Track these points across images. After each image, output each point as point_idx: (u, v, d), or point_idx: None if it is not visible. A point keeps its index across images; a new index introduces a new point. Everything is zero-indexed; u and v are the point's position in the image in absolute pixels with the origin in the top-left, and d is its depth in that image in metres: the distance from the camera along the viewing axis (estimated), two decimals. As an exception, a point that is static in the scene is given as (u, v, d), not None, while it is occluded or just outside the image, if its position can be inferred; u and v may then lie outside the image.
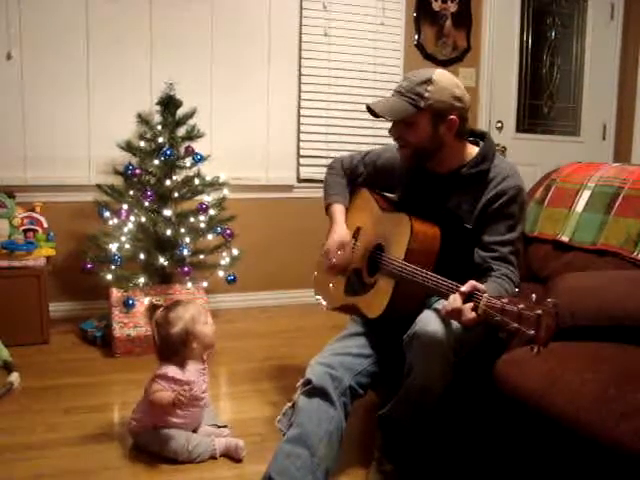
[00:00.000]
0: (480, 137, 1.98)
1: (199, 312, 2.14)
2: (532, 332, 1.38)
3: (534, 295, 1.43)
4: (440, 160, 1.92)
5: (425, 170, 1.97)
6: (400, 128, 1.89)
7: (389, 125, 1.93)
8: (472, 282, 1.58)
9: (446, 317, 1.63)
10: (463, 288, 1.58)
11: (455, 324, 1.66)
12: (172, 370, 2.07)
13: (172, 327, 2.06)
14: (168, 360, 2.09)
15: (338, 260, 2.08)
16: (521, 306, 1.42)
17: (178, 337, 2.06)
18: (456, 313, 1.57)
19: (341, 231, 2.12)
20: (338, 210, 2.19)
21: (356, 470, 1.99)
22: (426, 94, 1.80)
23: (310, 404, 1.80)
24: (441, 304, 1.72)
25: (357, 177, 2.24)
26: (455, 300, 1.57)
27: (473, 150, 1.93)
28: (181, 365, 2.09)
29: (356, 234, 2.14)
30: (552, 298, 1.84)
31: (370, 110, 1.89)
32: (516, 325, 1.42)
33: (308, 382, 1.84)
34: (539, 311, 1.38)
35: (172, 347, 2.08)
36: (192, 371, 2.10)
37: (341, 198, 2.22)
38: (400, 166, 2.07)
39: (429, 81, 1.81)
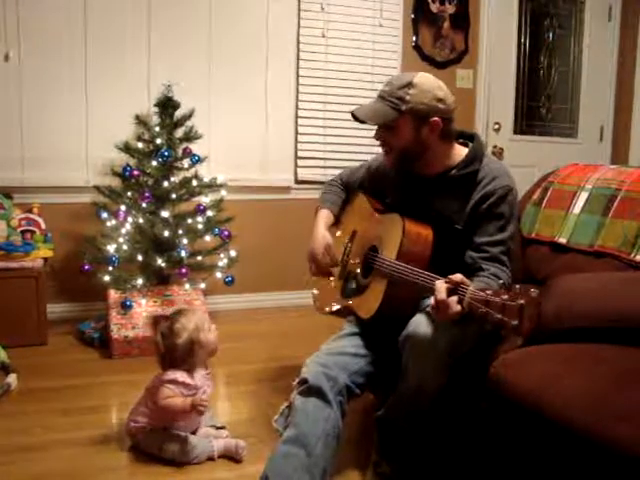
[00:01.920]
0: (469, 138, 1.98)
1: (202, 320, 2.14)
2: (515, 322, 1.39)
3: (518, 286, 1.43)
4: (427, 163, 1.92)
5: (414, 174, 1.98)
6: (383, 132, 1.90)
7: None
8: (460, 275, 1.59)
9: (432, 312, 1.62)
10: (451, 276, 1.58)
11: (447, 325, 1.66)
12: (181, 375, 2.07)
13: (177, 338, 2.06)
14: (173, 368, 2.09)
15: (317, 266, 2.14)
16: (504, 297, 1.43)
17: (184, 347, 2.07)
18: (441, 305, 1.56)
19: (316, 237, 2.15)
20: (320, 215, 2.24)
21: (354, 472, 1.99)
22: (407, 97, 1.81)
23: (306, 404, 1.80)
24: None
25: (352, 186, 2.28)
26: (440, 292, 1.57)
27: (462, 151, 1.93)
28: (188, 371, 2.09)
29: (352, 237, 2.15)
30: (549, 299, 1.86)
31: (354, 116, 1.91)
32: (499, 316, 1.42)
33: (304, 382, 1.83)
34: (522, 301, 1.39)
35: (178, 357, 2.08)
36: (199, 377, 2.11)
37: (328, 204, 2.26)
38: (391, 171, 2.07)
39: (410, 84, 1.82)
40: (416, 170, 1.96)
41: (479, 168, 1.89)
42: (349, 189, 2.30)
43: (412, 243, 1.82)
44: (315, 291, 2.29)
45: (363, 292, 1.96)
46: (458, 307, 1.54)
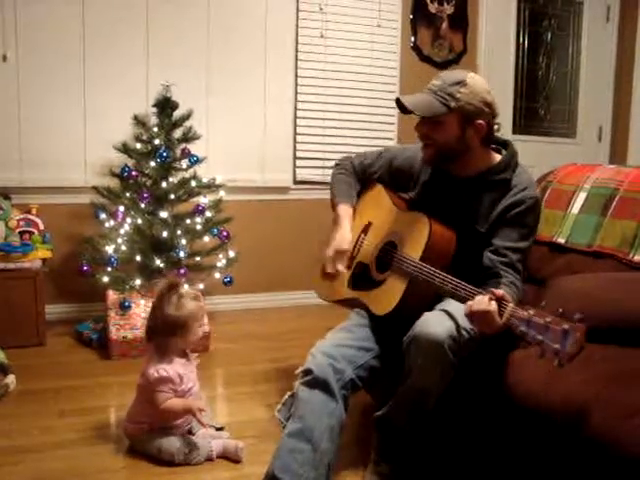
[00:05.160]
0: (502, 145, 1.98)
1: (202, 312, 2.16)
2: (557, 346, 1.35)
3: (561, 309, 1.40)
4: (463, 164, 1.91)
5: (446, 173, 1.97)
6: (428, 126, 1.88)
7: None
8: (502, 290, 1.56)
9: (469, 317, 1.58)
10: (494, 290, 1.55)
11: (454, 326, 1.66)
12: (162, 369, 2.05)
13: (173, 309, 2.06)
14: (150, 341, 2.11)
15: (333, 270, 2.08)
16: (548, 319, 1.39)
17: (172, 322, 2.06)
18: (483, 315, 1.53)
19: (342, 238, 2.10)
20: (344, 212, 2.17)
21: (353, 471, 1.99)
22: (458, 95, 1.80)
23: (311, 396, 1.78)
24: (446, 307, 1.73)
25: (369, 176, 2.23)
26: (482, 302, 1.54)
27: (495, 157, 1.93)
28: (167, 359, 2.09)
29: (366, 229, 2.13)
30: (547, 299, 1.86)
31: (399, 104, 1.87)
32: (540, 337, 1.39)
33: (309, 372, 1.82)
34: (566, 326, 1.35)
35: (161, 328, 2.08)
36: (178, 365, 2.10)
37: (349, 198, 2.20)
38: (420, 166, 2.05)
39: (462, 83, 1.81)
40: (450, 170, 1.95)
41: (512, 176, 1.89)
42: (363, 179, 2.24)
43: (437, 244, 1.82)
44: (320, 279, 2.25)
45: (377, 287, 1.94)
46: (498, 320, 1.50)
